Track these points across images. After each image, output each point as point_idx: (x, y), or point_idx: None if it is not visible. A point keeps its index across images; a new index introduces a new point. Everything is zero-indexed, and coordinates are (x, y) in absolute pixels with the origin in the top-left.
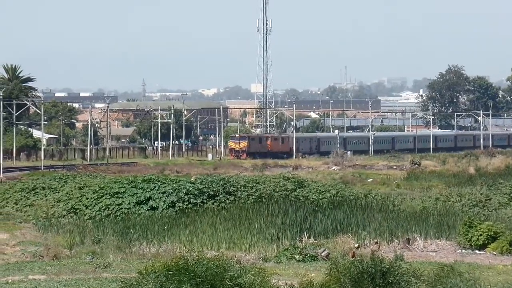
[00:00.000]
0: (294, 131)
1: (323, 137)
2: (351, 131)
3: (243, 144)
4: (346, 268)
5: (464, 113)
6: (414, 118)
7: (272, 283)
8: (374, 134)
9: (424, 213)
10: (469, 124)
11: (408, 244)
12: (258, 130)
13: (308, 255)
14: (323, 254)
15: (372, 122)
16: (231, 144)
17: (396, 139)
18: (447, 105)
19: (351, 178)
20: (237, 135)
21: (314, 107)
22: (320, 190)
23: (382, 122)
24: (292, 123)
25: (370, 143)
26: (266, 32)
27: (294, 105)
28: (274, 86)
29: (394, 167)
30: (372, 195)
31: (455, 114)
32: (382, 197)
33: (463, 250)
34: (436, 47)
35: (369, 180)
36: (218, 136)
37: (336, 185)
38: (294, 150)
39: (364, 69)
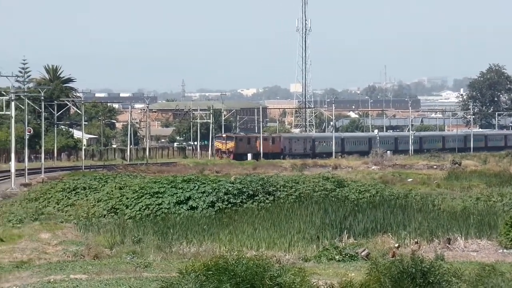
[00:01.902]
0: (333, 131)
1: (318, 137)
2: (391, 130)
3: (230, 144)
4: (386, 268)
5: (505, 112)
6: (455, 118)
7: (312, 282)
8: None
9: (465, 213)
10: (510, 124)
11: (449, 244)
12: (297, 130)
13: (348, 255)
14: (363, 254)
15: (411, 122)
16: (217, 144)
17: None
18: (487, 104)
19: (391, 177)
20: (223, 135)
21: (353, 107)
22: (359, 190)
23: (422, 121)
24: (331, 123)
25: (410, 143)
26: (305, 32)
27: (333, 104)
28: (313, 85)
29: (435, 166)
30: (412, 194)
31: (496, 113)
32: (422, 196)
33: (505, 250)
34: (477, 46)
35: (409, 179)
36: None
37: (376, 185)
38: (288, 151)
39: (403, 69)
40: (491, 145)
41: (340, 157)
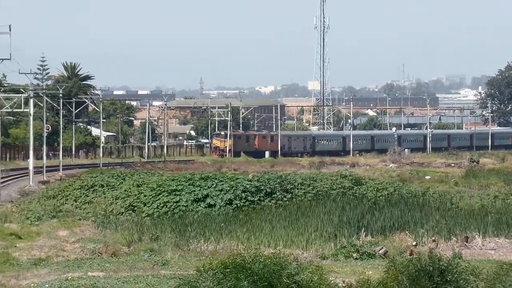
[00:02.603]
0: (351, 129)
1: (319, 135)
2: (409, 128)
3: (229, 142)
4: (404, 266)
5: None
6: (473, 116)
7: (330, 281)
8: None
9: (483, 211)
10: None
11: (466, 242)
12: (315, 128)
13: (366, 253)
14: (380, 252)
15: (429, 120)
16: (216, 142)
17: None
18: (506, 102)
19: (409, 175)
20: (222, 133)
21: (371, 105)
22: (377, 188)
23: (440, 119)
24: (349, 121)
25: (428, 141)
26: (323, 29)
27: (351, 102)
28: (332, 83)
29: (452, 164)
30: (429, 193)
31: None
32: (440, 194)
33: None
34: (495, 44)
35: (427, 177)
36: None
37: (394, 183)
38: (282, 149)
39: (422, 66)
40: (503, 144)
41: (341, 155)
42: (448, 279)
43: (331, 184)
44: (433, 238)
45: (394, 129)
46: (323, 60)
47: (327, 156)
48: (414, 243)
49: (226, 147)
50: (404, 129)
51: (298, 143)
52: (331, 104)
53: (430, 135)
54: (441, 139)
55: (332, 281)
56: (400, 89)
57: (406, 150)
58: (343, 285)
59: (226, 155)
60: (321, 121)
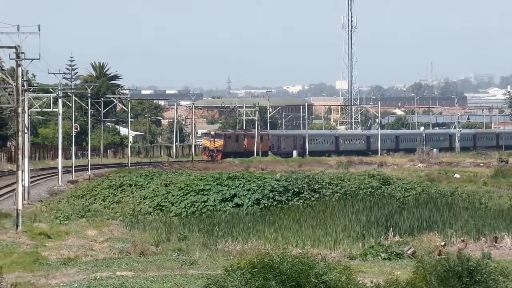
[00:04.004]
0: (379, 128)
1: (310, 135)
2: (437, 128)
3: (219, 143)
4: (433, 266)
5: None
6: (502, 115)
7: (358, 281)
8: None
9: None
10: None
11: (496, 242)
12: (343, 127)
13: (394, 253)
14: (408, 252)
15: (458, 119)
16: (205, 142)
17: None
18: None
19: (437, 175)
20: (212, 132)
21: (399, 104)
22: (405, 188)
23: (468, 119)
24: (377, 120)
25: (456, 141)
26: (351, 28)
27: (379, 101)
28: (359, 82)
29: (481, 164)
30: (458, 192)
31: None
32: (468, 194)
33: None
34: None
35: (456, 176)
36: None
37: (422, 183)
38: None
39: (450, 66)
40: None
41: (367, 154)
42: (477, 279)
43: (359, 184)
44: (462, 238)
45: (422, 128)
46: (350, 59)
47: (351, 156)
48: (442, 243)
49: (215, 147)
50: (432, 128)
51: (288, 143)
52: (358, 104)
53: (459, 134)
54: (468, 139)
55: (360, 281)
56: (428, 88)
57: (434, 150)
58: (371, 285)
59: (216, 157)
60: (349, 121)
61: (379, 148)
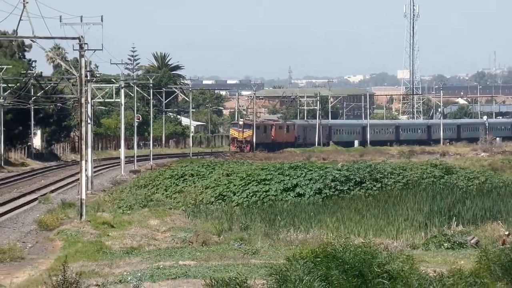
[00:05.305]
0: (441, 118)
1: (336, 124)
2: (500, 117)
3: (248, 133)
4: (497, 255)
5: None
6: None
7: (421, 270)
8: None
9: None
10: None
11: None
12: (405, 117)
13: (457, 242)
14: (472, 241)
15: None
16: (233, 132)
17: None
18: None
19: (500, 164)
20: (240, 122)
21: (462, 93)
22: (468, 177)
23: None
24: (439, 110)
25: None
26: (413, 17)
27: (441, 91)
28: (421, 72)
29: None
30: None
31: None
32: None
33: None
34: None
35: None
36: None
37: (485, 172)
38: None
39: None
40: None
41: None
42: None
43: (421, 173)
44: None
45: (485, 117)
46: (412, 49)
47: (412, 146)
48: (506, 233)
49: (244, 138)
50: (495, 117)
51: (313, 133)
52: (420, 93)
53: None
54: None
55: (423, 271)
56: (491, 77)
57: (497, 139)
58: (434, 275)
59: (245, 148)
60: (411, 110)
61: (441, 137)
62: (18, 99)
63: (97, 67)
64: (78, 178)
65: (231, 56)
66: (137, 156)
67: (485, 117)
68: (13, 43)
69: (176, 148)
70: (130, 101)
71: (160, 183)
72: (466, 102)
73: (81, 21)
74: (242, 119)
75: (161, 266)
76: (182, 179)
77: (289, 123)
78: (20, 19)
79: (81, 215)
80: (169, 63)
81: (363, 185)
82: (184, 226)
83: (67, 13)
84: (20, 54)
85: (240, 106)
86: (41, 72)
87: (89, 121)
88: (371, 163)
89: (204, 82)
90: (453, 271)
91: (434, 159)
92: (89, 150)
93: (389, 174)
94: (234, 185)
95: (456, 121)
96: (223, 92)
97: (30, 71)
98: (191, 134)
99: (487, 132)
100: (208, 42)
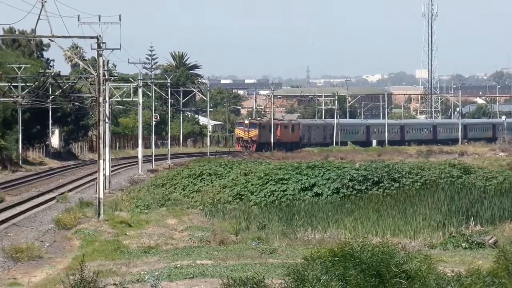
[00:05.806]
0: (459, 117)
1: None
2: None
3: (253, 133)
4: None
5: None
6: None
7: (438, 270)
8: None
9: None
10: None
11: None
12: (423, 117)
13: (475, 242)
14: (490, 241)
15: None
16: (238, 132)
17: None
18: None
19: None
20: (246, 121)
21: (480, 93)
22: (486, 177)
23: None
24: (457, 109)
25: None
26: (432, 17)
27: (459, 90)
28: (439, 71)
29: None
30: None
31: None
32: None
33: None
34: None
35: None
36: None
37: (503, 172)
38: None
39: None
40: None
41: (434, 144)
42: None
43: (439, 173)
44: None
45: (503, 117)
46: (431, 48)
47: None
48: None
49: (250, 137)
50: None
51: (318, 133)
52: (439, 93)
53: None
54: None
55: (441, 271)
56: (510, 77)
57: None
58: (452, 274)
59: (251, 148)
60: (429, 110)
61: (460, 137)
62: (36, 98)
63: (115, 66)
64: (96, 177)
65: (249, 56)
66: (154, 155)
67: (503, 117)
68: (32, 42)
69: (194, 147)
70: (148, 100)
71: (177, 182)
72: (484, 102)
73: (99, 20)
74: (248, 119)
75: (179, 265)
76: (200, 178)
77: (294, 123)
78: (38, 18)
79: (99, 214)
80: (187, 62)
81: (381, 184)
82: (201, 226)
83: (85, 12)
84: (38, 53)
85: (258, 106)
86: (59, 71)
87: (107, 120)
88: (389, 162)
89: (222, 81)
90: (471, 271)
91: (452, 159)
92: (107, 149)
93: (407, 174)
94: (252, 185)
95: (463, 121)
96: (241, 92)
97: (48, 70)
98: (209, 134)
99: (495, 132)
100: (226, 42)
